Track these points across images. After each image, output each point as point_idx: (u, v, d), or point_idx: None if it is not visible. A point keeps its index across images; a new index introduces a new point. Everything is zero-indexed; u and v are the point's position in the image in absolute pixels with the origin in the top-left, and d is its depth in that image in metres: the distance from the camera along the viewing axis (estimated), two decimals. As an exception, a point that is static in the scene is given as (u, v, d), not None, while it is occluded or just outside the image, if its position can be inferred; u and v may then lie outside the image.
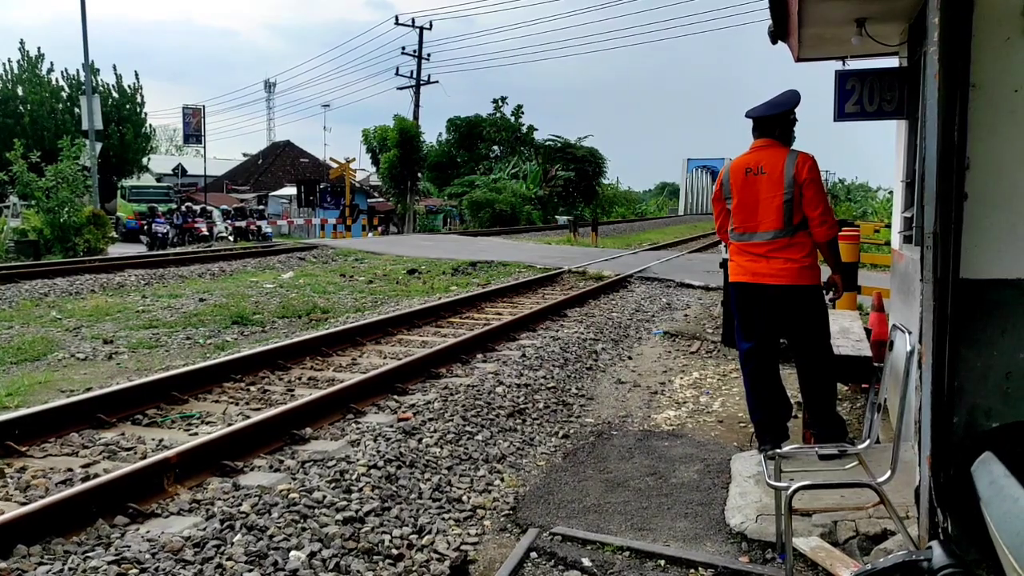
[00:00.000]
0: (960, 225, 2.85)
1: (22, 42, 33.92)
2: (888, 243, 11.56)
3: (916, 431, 3.66)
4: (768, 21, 6.07)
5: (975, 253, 2.88)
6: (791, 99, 4.31)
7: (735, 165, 4.31)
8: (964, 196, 2.85)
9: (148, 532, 3.50)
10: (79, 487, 3.75)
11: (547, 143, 52.59)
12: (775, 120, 4.28)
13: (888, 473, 2.88)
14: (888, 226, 13.62)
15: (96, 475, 4.13)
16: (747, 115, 4.36)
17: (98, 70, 34.00)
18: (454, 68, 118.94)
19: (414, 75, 41.43)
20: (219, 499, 3.88)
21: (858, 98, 5.53)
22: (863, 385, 6.00)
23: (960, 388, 2.92)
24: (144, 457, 4.47)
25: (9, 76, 33.56)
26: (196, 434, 4.98)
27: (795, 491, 2.89)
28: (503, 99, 53.37)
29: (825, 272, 4.40)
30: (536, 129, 53.55)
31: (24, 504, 3.71)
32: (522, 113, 53.78)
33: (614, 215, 57.06)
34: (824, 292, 4.38)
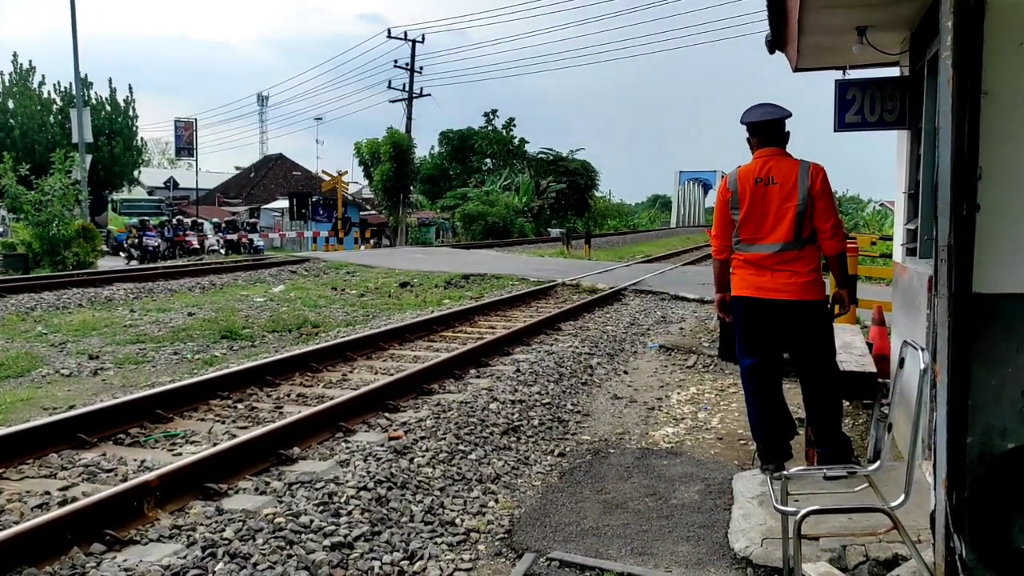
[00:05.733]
0: (972, 238, 2.74)
1: (15, 55, 33.77)
2: (884, 255, 11.48)
3: (927, 451, 3.54)
4: (765, 32, 6.00)
5: (988, 267, 2.76)
6: (778, 107, 4.16)
7: (743, 174, 4.10)
8: (976, 207, 2.73)
9: (125, 561, 3.34)
10: (54, 513, 3.58)
11: (539, 156, 52.67)
12: (781, 125, 4.12)
13: (902, 497, 2.74)
14: (884, 238, 13.56)
15: (74, 499, 3.97)
16: (752, 122, 4.12)
17: (91, 83, 33.84)
18: (447, 81, 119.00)
19: (407, 88, 41.39)
20: (201, 524, 3.72)
21: (859, 108, 5.43)
22: (865, 401, 5.88)
23: (973, 407, 2.80)
24: (124, 479, 4.31)
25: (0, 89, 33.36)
26: (180, 454, 4.82)
27: (804, 516, 2.76)
28: (494, 112, 53.65)
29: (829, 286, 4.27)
30: (528, 142, 53.81)
31: (-3, 530, 3.54)
32: (514, 126, 54.10)
33: (607, 227, 57.07)
34: (830, 307, 4.24)
